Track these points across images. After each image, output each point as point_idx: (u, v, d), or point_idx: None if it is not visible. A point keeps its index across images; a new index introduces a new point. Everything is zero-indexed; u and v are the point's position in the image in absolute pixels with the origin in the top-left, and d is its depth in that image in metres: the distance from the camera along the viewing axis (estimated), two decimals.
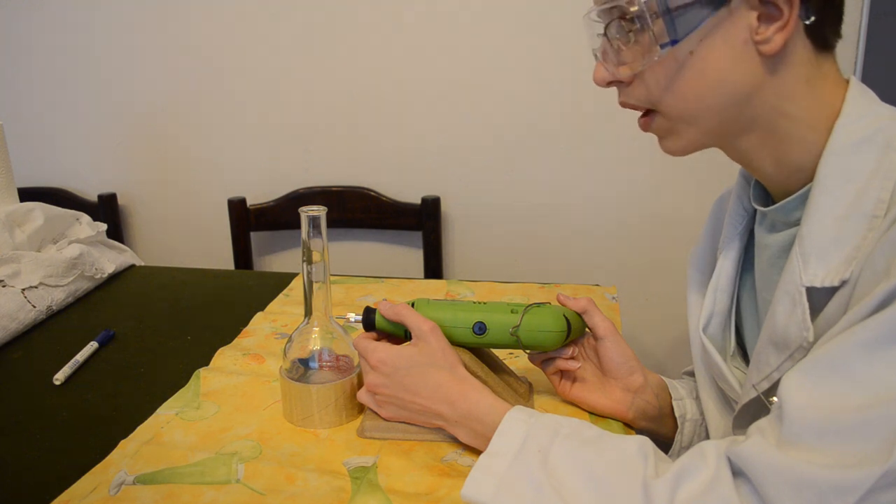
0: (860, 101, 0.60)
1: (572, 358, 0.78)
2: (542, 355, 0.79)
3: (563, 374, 0.79)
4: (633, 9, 0.60)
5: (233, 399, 0.82)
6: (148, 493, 0.65)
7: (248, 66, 1.67)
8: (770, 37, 0.57)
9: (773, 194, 0.68)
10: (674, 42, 0.59)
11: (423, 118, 1.62)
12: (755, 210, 0.71)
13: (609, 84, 0.66)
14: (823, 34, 0.60)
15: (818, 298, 0.58)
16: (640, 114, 0.67)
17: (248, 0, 1.61)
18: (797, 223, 0.62)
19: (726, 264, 0.74)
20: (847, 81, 0.62)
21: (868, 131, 0.58)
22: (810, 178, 0.61)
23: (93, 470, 0.69)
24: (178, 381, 0.87)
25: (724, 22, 0.58)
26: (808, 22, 0.58)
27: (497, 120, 1.58)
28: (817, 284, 0.58)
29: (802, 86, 0.60)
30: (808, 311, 0.58)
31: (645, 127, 0.67)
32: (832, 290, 0.57)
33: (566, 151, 1.57)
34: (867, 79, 1.44)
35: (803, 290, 0.59)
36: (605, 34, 0.64)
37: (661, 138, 0.67)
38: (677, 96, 0.62)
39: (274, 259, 1.82)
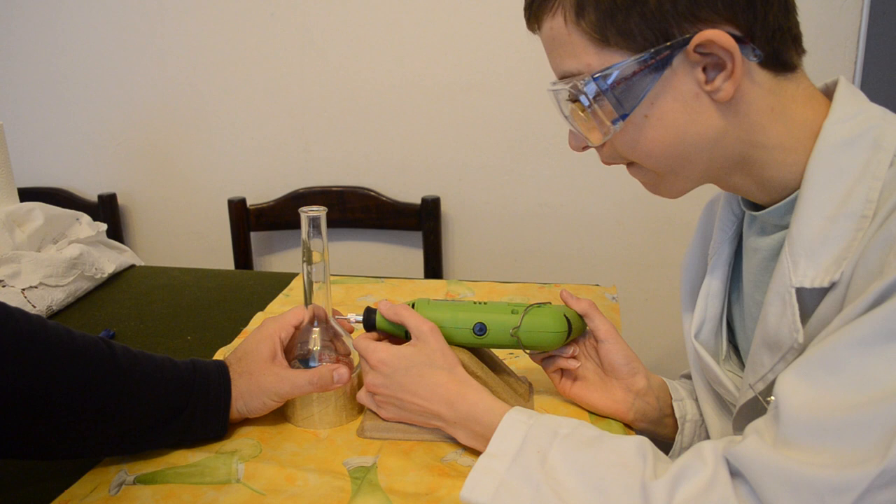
0: (849, 102, 0.60)
1: (573, 357, 0.78)
2: (543, 353, 0.79)
3: (564, 372, 0.79)
4: (578, 93, 0.61)
5: None
6: (148, 493, 0.65)
7: (247, 66, 1.67)
8: (720, 86, 0.57)
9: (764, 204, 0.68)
10: (623, 117, 0.60)
11: (424, 118, 1.62)
12: (744, 214, 0.71)
13: (584, 149, 0.68)
14: (782, 60, 0.59)
15: (809, 300, 0.59)
16: None
17: (248, 0, 1.62)
18: (787, 226, 0.62)
19: (717, 270, 0.74)
20: (833, 84, 0.62)
21: (857, 131, 0.58)
22: (798, 187, 0.61)
23: (93, 470, 0.69)
24: None
25: (671, 81, 0.58)
26: (757, 61, 0.58)
27: (497, 120, 1.58)
28: (807, 285, 0.58)
29: (767, 116, 0.60)
30: (797, 313, 0.59)
31: (634, 176, 0.68)
32: (823, 292, 0.57)
33: (566, 151, 1.57)
34: (867, 79, 1.43)
35: (793, 292, 0.59)
36: (570, 102, 0.65)
37: (653, 187, 0.68)
38: (646, 156, 0.63)
39: (274, 259, 1.83)
